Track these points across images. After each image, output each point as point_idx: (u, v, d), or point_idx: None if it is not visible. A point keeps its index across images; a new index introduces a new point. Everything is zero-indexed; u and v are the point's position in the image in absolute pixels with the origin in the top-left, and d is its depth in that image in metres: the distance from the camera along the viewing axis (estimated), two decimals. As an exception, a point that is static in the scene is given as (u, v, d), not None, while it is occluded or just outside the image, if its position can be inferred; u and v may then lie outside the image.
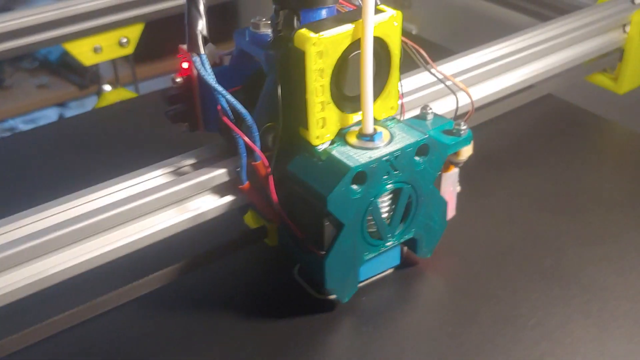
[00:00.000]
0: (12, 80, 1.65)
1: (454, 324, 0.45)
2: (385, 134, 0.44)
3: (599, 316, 0.45)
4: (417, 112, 0.48)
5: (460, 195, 0.51)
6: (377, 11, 0.42)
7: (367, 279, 0.48)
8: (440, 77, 0.48)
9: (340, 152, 0.42)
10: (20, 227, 0.40)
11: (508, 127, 0.67)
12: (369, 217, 0.44)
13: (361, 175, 0.41)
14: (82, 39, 0.86)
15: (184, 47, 0.42)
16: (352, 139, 0.43)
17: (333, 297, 0.46)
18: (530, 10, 0.86)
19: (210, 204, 0.45)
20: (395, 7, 0.42)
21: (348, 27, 0.41)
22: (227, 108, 0.41)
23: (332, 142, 0.44)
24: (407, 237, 0.47)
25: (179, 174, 0.44)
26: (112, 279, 0.45)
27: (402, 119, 0.48)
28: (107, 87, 1.16)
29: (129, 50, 0.91)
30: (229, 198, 0.45)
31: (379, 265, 0.48)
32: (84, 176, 0.46)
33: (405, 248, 0.49)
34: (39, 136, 0.74)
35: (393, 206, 0.45)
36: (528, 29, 0.66)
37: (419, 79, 0.54)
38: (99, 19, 0.85)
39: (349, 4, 0.44)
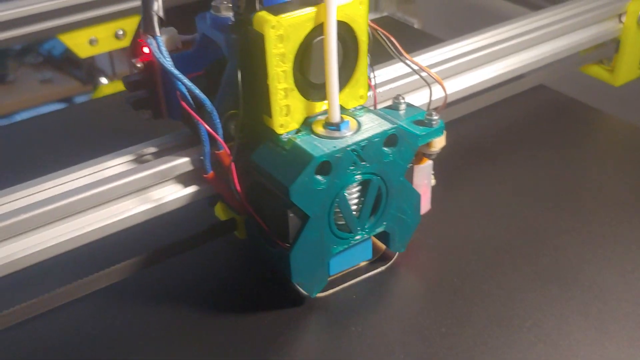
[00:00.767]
0: (16, 75, 1.65)
1: (447, 324, 0.43)
2: (352, 123, 0.42)
3: (598, 318, 0.43)
4: (390, 102, 0.46)
5: (452, 188, 0.49)
6: (343, -6, 0.40)
7: (337, 273, 0.46)
8: (415, 67, 0.46)
9: (304, 141, 0.41)
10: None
11: (499, 117, 0.65)
12: (337, 210, 0.42)
13: (325, 165, 0.40)
14: (78, 31, 0.85)
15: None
16: (318, 128, 0.42)
17: (321, 294, 0.45)
18: (534, 4, 0.84)
19: (173, 194, 0.44)
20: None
21: (310, 10, 0.39)
22: (186, 93, 0.39)
23: (298, 131, 0.42)
24: (378, 230, 0.45)
25: (140, 162, 0.43)
26: (74, 270, 0.44)
27: (374, 108, 0.47)
28: (103, 80, 1.16)
29: (126, 42, 0.90)
30: (192, 188, 0.44)
31: (350, 259, 0.46)
32: (50, 165, 0.45)
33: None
34: (36, 124, 0.73)
35: (362, 198, 0.43)
36: (519, 17, 0.64)
37: (393, 69, 0.53)
38: (95, 10, 0.84)
39: (316, -13, 0.43)
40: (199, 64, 0.44)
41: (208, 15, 0.41)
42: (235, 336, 0.43)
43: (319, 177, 0.40)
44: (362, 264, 0.47)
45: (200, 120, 0.40)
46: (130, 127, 0.65)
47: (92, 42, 0.87)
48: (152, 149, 0.44)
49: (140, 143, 0.45)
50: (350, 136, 0.41)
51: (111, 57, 1.22)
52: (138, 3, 0.88)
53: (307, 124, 0.42)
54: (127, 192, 0.42)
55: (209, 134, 0.41)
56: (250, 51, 0.40)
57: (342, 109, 0.42)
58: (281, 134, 0.42)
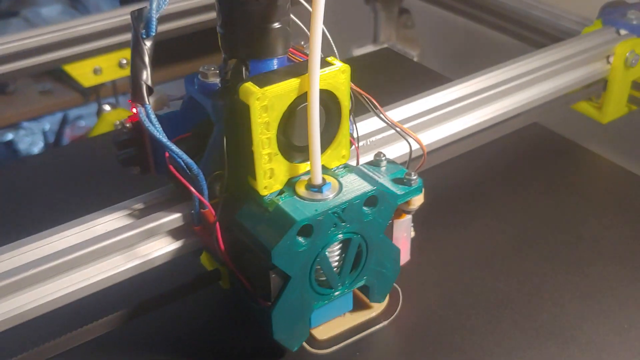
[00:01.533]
0: (16, 85, 1.66)
1: None
2: (334, 184, 0.43)
3: None
4: (372, 156, 0.48)
5: (450, 232, 0.49)
6: (326, 64, 0.41)
7: (318, 325, 0.47)
8: (390, 123, 0.47)
9: (287, 204, 0.42)
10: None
11: (493, 156, 0.66)
12: (318, 267, 0.43)
13: (307, 228, 0.41)
14: (82, 61, 0.87)
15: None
16: (301, 190, 0.43)
17: (326, 351, 0.46)
18: (531, 39, 0.85)
19: (161, 249, 0.45)
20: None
21: (295, 80, 0.40)
22: (176, 157, 0.41)
23: (281, 192, 0.43)
24: (358, 284, 0.46)
25: (129, 218, 0.45)
26: (61, 325, 0.44)
27: (357, 164, 0.48)
28: (107, 108, 1.17)
29: (129, 71, 0.91)
30: (180, 243, 0.45)
31: (331, 311, 0.47)
32: (37, 217, 0.46)
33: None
34: (28, 166, 0.74)
35: (343, 255, 0.44)
36: (513, 59, 0.65)
37: (376, 121, 0.54)
38: (99, 41, 0.85)
39: (300, 54, 0.44)
40: (186, 124, 0.45)
41: (196, 79, 0.43)
42: None
43: (301, 239, 0.41)
44: (365, 317, 0.49)
45: (187, 184, 0.41)
46: (109, 173, 0.65)
47: (96, 71, 0.89)
48: (140, 205, 0.45)
49: (129, 198, 0.46)
50: (332, 199, 0.42)
51: (114, 85, 1.23)
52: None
53: (290, 184, 0.44)
54: (117, 249, 0.43)
55: (195, 194, 0.42)
56: (236, 118, 0.41)
57: (325, 169, 0.44)
58: (265, 195, 0.43)
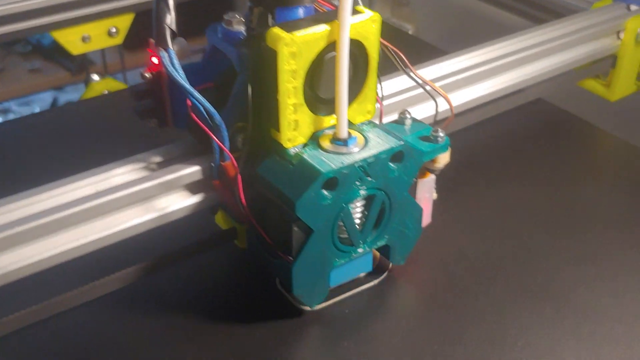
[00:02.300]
0: (4, 63, 1.63)
1: (439, 342, 0.43)
2: (359, 139, 0.42)
3: (590, 340, 0.43)
4: (396, 116, 0.47)
5: (447, 203, 0.49)
6: (355, 12, 0.40)
7: (337, 284, 0.47)
8: (420, 81, 0.46)
9: (311, 156, 0.41)
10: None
11: (497, 131, 0.66)
12: (340, 223, 0.42)
13: (332, 181, 0.40)
14: (71, 28, 0.85)
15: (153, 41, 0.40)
16: (326, 143, 0.42)
17: (314, 308, 0.45)
18: (529, 14, 0.85)
19: (178, 203, 0.44)
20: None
21: (323, 28, 0.39)
22: (198, 105, 0.40)
23: (305, 145, 0.42)
24: (379, 243, 0.45)
25: (146, 170, 0.43)
26: (77, 276, 0.44)
27: (380, 123, 0.47)
28: (95, 77, 1.15)
29: (118, 40, 0.89)
30: (197, 198, 0.44)
31: (351, 271, 0.46)
32: (52, 170, 0.45)
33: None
34: (24, 126, 0.72)
35: (365, 212, 0.43)
36: (519, 32, 0.64)
37: (400, 82, 0.53)
38: (89, 8, 0.83)
39: (327, 4, 0.43)
40: (207, 75, 0.44)
41: (219, 28, 0.41)
42: (229, 346, 0.43)
43: (325, 193, 0.40)
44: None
45: (210, 133, 0.40)
46: (124, 130, 0.65)
47: (84, 39, 0.87)
48: (158, 158, 0.44)
49: (143, 150, 0.45)
50: (357, 152, 0.41)
51: (103, 54, 1.21)
52: (131, 2, 0.87)
53: (314, 139, 0.43)
54: (133, 201, 0.42)
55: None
56: (262, 66, 0.40)
57: (349, 124, 0.43)
58: (288, 148, 0.42)
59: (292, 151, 0.42)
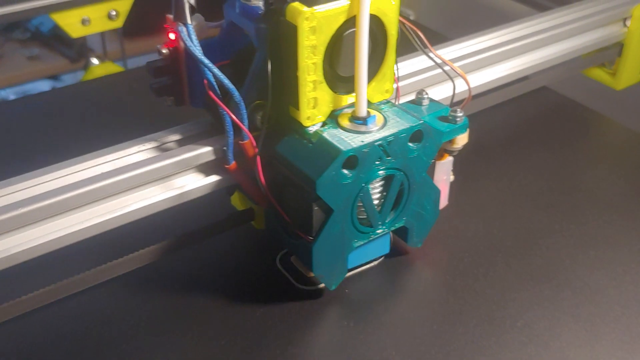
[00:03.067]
0: (3, 50, 1.61)
1: (439, 321, 0.43)
2: (378, 117, 0.42)
3: (589, 320, 0.43)
4: (412, 97, 0.46)
5: (451, 187, 0.49)
6: (375, -12, 0.40)
7: (355, 267, 0.46)
8: (439, 61, 0.46)
9: (331, 135, 0.41)
10: (-6, 199, 0.38)
11: (501, 118, 0.65)
12: (359, 204, 0.42)
13: (352, 159, 0.40)
14: (71, 10, 0.84)
15: (171, 16, 0.40)
16: (345, 122, 0.42)
17: (315, 287, 0.45)
18: (531, 1, 0.84)
19: (195, 182, 0.43)
20: None
21: (344, 3, 0.39)
22: (214, 82, 0.39)
23: (324, 124, 0.42)
24: (397, 225, 0.45)
25: (163, 149, 0.43)
26: (93, 256, 0.43)
27: (397, 103, 0.46)
28: (94, 61, 1.14)
29: (118, 23, 0.89)
30: (215, 177, 0.44)
31: (368, 252, 0.46)
32: (66, 148, 0.45)
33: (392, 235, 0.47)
34: (22, 106, 0.72)
35: (384, 193, 0.43)
36: (525, 18, 0.64)
37: (415, 62, 0.53)
38: (88, -10, 0.83)
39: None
40: (225, 51, 0.43)
41: (237, 3, 0.41)
42: (223, 320, 0.43)
43: (345, 172, 0.40)
44: None
45: (227, 110, 0.39)
46: (124, 110, 0.65)
47: (84, 21, 0.86)
48: (175, 137, 0.43)
49: (161, 130, 0.44)
50: (376, 131, 0.41)
51: (103, 37, 1.19)
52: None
53: (332, 117, 0.42)
54: (150, 180, 0.41)
55: (234, 124, 0.40)
56: (281, 42, 0.39)
57: (368, 103, 0.42)
58: (307, 126, 0.41)
59: (311, 129, 0.41)
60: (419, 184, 0.44)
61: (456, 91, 0.49)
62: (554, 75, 0.68)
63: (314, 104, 0.41)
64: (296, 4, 0.38)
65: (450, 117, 0.44)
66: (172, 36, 0.41)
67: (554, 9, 0.67)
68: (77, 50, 1.53)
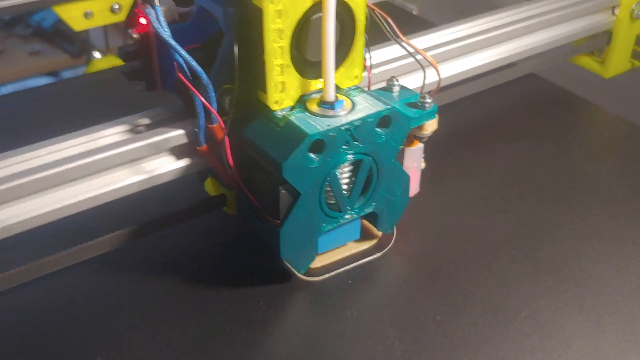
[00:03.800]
0: (5, 45, 1.63)
1: (442, 312, 0.43)
2: (346, 102, 0.42)
3: (592, 311, 0.43)
4: (384, 84, 0.47)
5: (443, 173, 0.49)
6: (343, -28, 0.40)
7: (325, 251, 0.47)
8: (410, 49, 0.46)
9: (298, 119, 0.41)
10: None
11: (488, 105, 0.66)
12: (328, 188, 0.42)
13: (319, 143, 0.40)
14: (73, 3, 0.84)
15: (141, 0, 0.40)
16: (313, 106, 0.42)
17: (317, 279, 0.45)
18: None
19: (165, 166, 0.44)
20: None
21: (310, -13, 0.39)
22: (184, 65, 0.39)
23: (292, 108, 0.42)
24: (367, 210, 0.45)
25: (134, 132, 0.43)
26: (65, 237, 0.44)
27: (369, 89, 0.47)
28: (97, 54, 1.15)
29: (121, 17, 0.89)
30: (185, 161, 0.44)
31: (339, 238, 0.47)
32: (41, 137, 0.45)
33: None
34: (30, 97, 0.72)
35: (353, 178, 0.43)
36: (513, 5, 0.64)
37: (390, 51, 0.53)
38: (91, -18, 0.83)
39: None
40: (195, 36, 0.43)
41: (207, -13, 0.41)
42: (225, 310, 0.43)
43: (312, 155, 0.40)
44: (359, 249, 0.48)
45: (196, 92, 0.40)
46: (123, 102, 0.65)
47: (87, 15, 0.86)
48: (146, 120, 0.44)
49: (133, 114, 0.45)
50: (344, 115, 0.41)
51: (105, 31, 1.20)
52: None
53: (301, 102, 0.43)
54: (120, 162, 0.42)
55: (204, 107, 0.41)
56: (248, 26, 0.40)
57: (337, 89, 0.42)
58: (275, 111, 0.42)
59: (279, 114, 0.42)
60: (387, 170, 0.44)
61: (431, 80, 0.49)
62: (541, 63, 0.68)
63: (282, 88, 0.41)
64: (262, -12, 0.38)
65: (419, 103, 0.44)
66: (143, 21, 0.42)
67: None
68: (78, 46, 1.54)
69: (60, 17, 0.84)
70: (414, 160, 0.47)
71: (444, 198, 0.53)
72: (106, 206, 0.43)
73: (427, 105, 0.44)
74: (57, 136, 0.42)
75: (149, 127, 0.44)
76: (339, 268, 0.46)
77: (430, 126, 0.45)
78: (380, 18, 0.44)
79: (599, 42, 0.71)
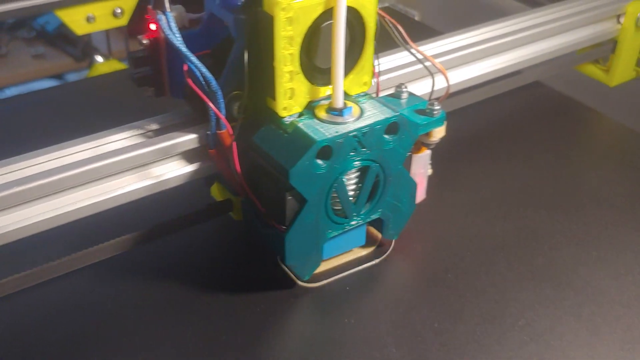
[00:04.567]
0: (8, 48, 1.63)
1: (440, 319, 0.43)
2: (355, 109, 0.42)
3: (590, 320, 0.43)
4: (392, 91, 0.47)
5: (446, 180, 0.49)
6: (353, -21, 0.40)
7: (330, 257, 0.47)
8: (419, 56, 0.46)
9: (306, 125, 0.41)
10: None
11: (493, 112, 0.66)
12: (334, 194, 0.42)
13: (326, 149, 0.40)
14: (76, 7, 0.85)
15: (151, 6, 0.40)
16: (321, 113, 0.42)
17: (314, 285, 0.45)
18: (539, 3, 0.84)
19: (173, 171, 0.44)
20: None
21: (320, -5, 0.39)
22: (194, 71, 0.40)
23: (300, 115, 0.42)
24: (373, 217, 0.45)
25: (142, 137, 0.43)
26: (71, 242, 0.44)
27: (376, 97, 0.47)
28: (99, 58, 1.15)
29: (123, 21, 0.89)
30: (193, 166, 0.44)
31: (344, 244, 0.47)
32: (46, 141, 0.45)
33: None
34: (32, 100, 0.73)
35: (360, 184, 0.44)
36: (519, 13, 0.64)
37: (398, 57, 0.53)
38: (94, -13, 0.83)
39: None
40: (205, 43, 0.44)
41: (217, -6, 0.41)
42: (225, 316, 0.43)
43: (319, 162, 0.40)
44: (357, 255, 0.48)
45: (206, 99, 0.40)
46: (127, 106, 0.65)
47: (89, 19, 0.86)
48: (154, 126, 0.44)
49: (141, 120, 0.45)
50: (352, 122, 0.41)
51: (107, 35, 1.21)
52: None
53: (309, 108, 0.43)
54: (129, 167, 0.42)
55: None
56: (258, 32, 0.40)
57: (345, 95, 0.43)
58: (284, 117, 0.42)
59: (288, 120, 0.42)
60: (395, 176, 0.44)
61: (439, 86, 0.49)
62: (546, 71, 0.69)
63: (291, 94, 0.41)
64: (273, -5, 0.38)
65: (428, 110, 0.44)
66: (152, 27, 0.42)
67: (548, 5, 0.67)
68: (82, 50, 1.54)
69: (63, 21, 0.85)
70: (421, 167, 0.47)
71: (443, 204, 0.53)
72: (109, 212, 0.42)
73: (435, 112, 0.44)
74: (60, 138, 0.42)
75: (157, 132, 0.44)
76: (337, 274, 0.46)
77: (438, 133, 0.45)
78: (390, 25, 0.44)
79: (604, 50, 0.71)
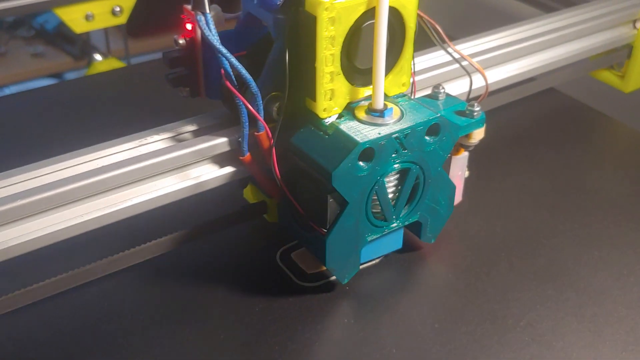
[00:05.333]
0: (7, 47, 1.61)
1: (441, 320, 0.43)
2: (395, 110, 0.42)
3: (593, 321, 0.43)
4: (426, 92, 0.46)
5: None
6: (395, -21, 0.40)
7: (368, 260, 0.46)
8: (456, 56, 0.46)
9: (348, 127, 0.41)
10: (11, 185, 0.38)
11: (508, 118, 0.65)
12: (374, 197, 0.42)
13: (369, 151, 0.39)
14: (75, 5, 0.84)
15: (189, 7, 0.39)
16: (361, 114, 0.41)
17: (315, 284, 0.44)
18: (542, 4, 0.84)
19: (211, 173, 0.43)
20: None
21: (363, -6, 0.39)
22: (231, 73, 0.39)
23: (340, 116, 0.42)
24: (411, 219, 0.45)
25: (179, 140, 0.42)
26: (106, 245, 0.43)
27: (412, 97, 0.46)
28: (97, 57, 1.14)
29: (122, 19, 0.89)
30: (230, 169, 0.43)
31: (381, 247, 0.46)
32: (79, 139, 0.44)
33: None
34: (31, 98, 0.72)
35: (399, 187, 0.43)
36: (534, 18, 0.64)
37: (431, 57, 0.52)
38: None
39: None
40: (241, 43, 0.43)
41: (255, -6, 0.40)
42: (215, 316, 0.43)
43: (361, 164, 0.40)
44: None
45: (244, 101, 0.39)
46: (127, 105, 0.65)
47: (88, 17, 0.86)
48: (191, 127, 0.43)
49: (178, 120, 0.44)
50: (393, 123, 0.41)
51: (106, 34, 1.19)
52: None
53: (348, 109, 0.42)
54: (168, 168, 0.41)
55: (250, 115, 0.40)
56: (299, 33, 0.39)
57: (384, 96, 0.42)
58: (324, 118, 0.41)
59: (328, 121, 0.41)
60: (434, 179, 0.44)
61: (473, 87, 0.49)
62: (561, 77, 0.68)
63: (331, 95, 0.41)
64: (315, -5, 0.38)
65: (468, 112, 0.44)
66: (189, 26, 0.41)
67: (563, 10, 0.67)
68: (81, 48, 1.53)
69: (62, 19, 0.84)
70: (459, 169, 0.47)
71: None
72: (143, 214, 0.42)
73: (475, 113, 0.44)
74: (59, 136, 0.42)
75: (194, 134, 0.43)
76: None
77: (478, 135, 0.45)
78: (429, 25, 0.43)
79: (619, 55, 0.70)
